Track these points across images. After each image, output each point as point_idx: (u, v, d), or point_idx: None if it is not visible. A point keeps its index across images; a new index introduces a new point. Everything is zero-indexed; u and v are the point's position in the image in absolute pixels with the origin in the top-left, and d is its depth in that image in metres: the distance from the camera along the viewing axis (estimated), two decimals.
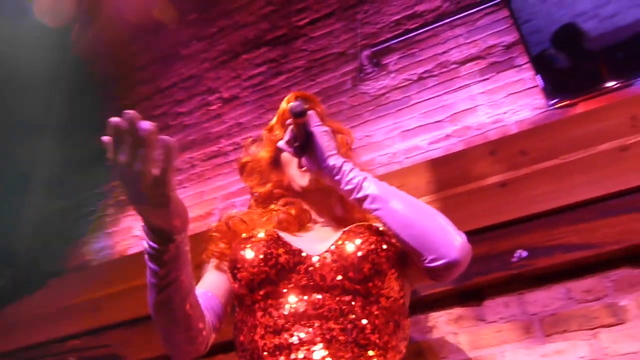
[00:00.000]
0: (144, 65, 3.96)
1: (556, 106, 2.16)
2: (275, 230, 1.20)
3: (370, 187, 1.06)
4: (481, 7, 2.79)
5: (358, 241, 1.08)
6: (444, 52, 2.82)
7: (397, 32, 3.05)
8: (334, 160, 1.09)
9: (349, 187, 1.07)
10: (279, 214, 1.27)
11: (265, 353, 1.03)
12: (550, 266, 1.69)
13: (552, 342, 1.64)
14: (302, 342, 0.99)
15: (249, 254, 1.14)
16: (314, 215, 1.31)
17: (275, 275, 1.10)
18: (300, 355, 0.98)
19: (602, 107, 1.93)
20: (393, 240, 1.11)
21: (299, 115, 1.04)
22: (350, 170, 1.08)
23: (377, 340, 1.02)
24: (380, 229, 1.16)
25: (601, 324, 1.62)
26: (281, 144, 1.23)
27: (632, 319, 1.59)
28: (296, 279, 1.08)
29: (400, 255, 1.11)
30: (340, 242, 1.10)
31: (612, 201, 1.70)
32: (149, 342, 2.16)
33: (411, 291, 1.24)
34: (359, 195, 1.06)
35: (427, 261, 1.00)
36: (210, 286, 1.23)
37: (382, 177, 2.30)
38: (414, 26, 3.03)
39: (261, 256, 1.12)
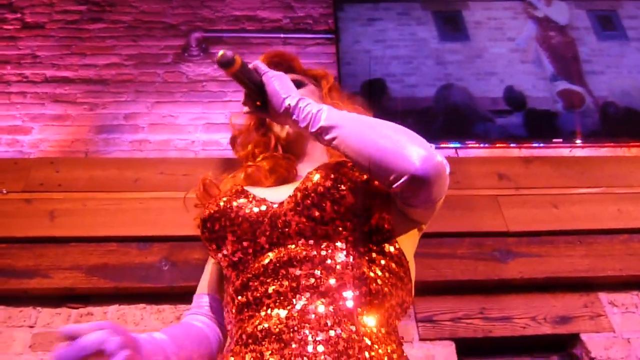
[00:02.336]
0: None
1: None
2: (242, 185, 1.07)
3: (323, 117, 0.91)
4: (315, 36, 2.97)
5: (317, 177, 0.95)
6: None
7: (233, 27, 3.06)
8: (289, 101, 0.94)
9: (304, 123, 0.93)
10: (248, 169, 1.14)
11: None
12: None
13: None
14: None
15: (206, 213, 1.01)
16: (301, 167, 1.16)
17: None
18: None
19: None
20: (357, 173, 0.97)
21: (225, 65, 0.90)
22: (306, 105, 0.94)
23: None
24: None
25: None
26: (245, 109, 1.06)
27: None
28: (260, 230, 0.95)
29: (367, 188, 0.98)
30: (301, 184, 0.97)
31: None
32: None
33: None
34: (314, 129, 0.92)
35: (389, 184, 0.86)
36: (206, 285, 1.12)
37: (173, 161, 2.29)
38: (250, 28, 3.07)
39: (207, 213, 1.00)
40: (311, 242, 0.92)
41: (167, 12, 3.10)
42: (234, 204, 0.99)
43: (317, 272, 0.88)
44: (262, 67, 0.98)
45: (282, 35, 2.98)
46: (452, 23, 2.85)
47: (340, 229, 0.92)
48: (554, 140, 2.52)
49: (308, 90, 1.19)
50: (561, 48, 2.82)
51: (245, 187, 1.06)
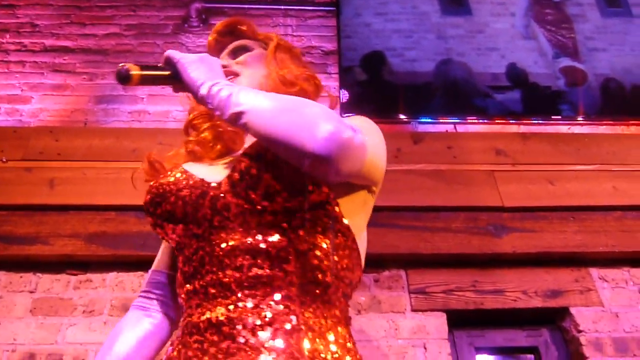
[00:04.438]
0: None
1: None
2: (182, 164, 1.03)
3: (233, 101, 0.85)
4: (316, 8, 2.94)
5: (250, 156, 0.89)
6: None
7: None
8: (202, 90, 0.89)
9: (218, 112, 0.87)
10: (189, 145, 1.09)
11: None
12: None
13: None
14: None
15: (147, 197, 0.99)
16: (248, 137, 1.06)
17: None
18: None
19: None
20: None
21: (123, 82, 0.87)
22: (218, 92, 0.87)
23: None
24: None
25: None
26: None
27: None
28: (202, 214, 0.90)
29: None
30: (236, 163, 0.91)
31: None
32: None
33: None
34: (226, 116, 0.86)
35: (299, 165, 0.82)
36: (159, 262, 1.14)
37: (172, 132, 2.30)
38: None
39: (148, 198, 0.98)
40: (252, 226, 0.87)
41: None
42: (172, 186, 0.95)
43: (259, 262, 0.85)
44: (175, 55, 0.94)
45: (282, 7, 2.95)
46: None
47: (280, 214, 0.87)
48: (553, 117, 2.51)
49: (254, 55, 1.12)
50: (557, 25, 2.79)
51: (185, 166, 1.01)
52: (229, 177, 0.90)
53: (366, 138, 0.86)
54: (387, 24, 2.72)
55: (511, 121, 2.50)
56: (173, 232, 0.95)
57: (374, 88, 2.56)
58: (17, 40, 2.75)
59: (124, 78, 0.87)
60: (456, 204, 2.01)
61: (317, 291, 0.86)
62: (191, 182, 0.94)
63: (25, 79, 2.60)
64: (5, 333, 1.73)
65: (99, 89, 2.59)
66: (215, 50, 1.18)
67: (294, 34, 2.89)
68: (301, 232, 0.87)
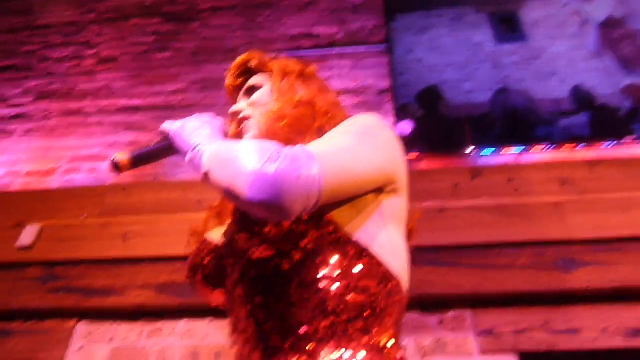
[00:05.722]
0: None
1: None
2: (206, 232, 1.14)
3: (201, 165, 0.85)
4: (369, 48, 2.99)
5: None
6: (326, 78, 2.95)
7: (290, 46, 3.15)
8: (187, 158, 0.90)
9: (197, 174, 0.87)
10: (208, 216, 1.17)
11: None
12: None
13: None
14: None
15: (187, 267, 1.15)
16: None
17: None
18: None
19: (434, 170, 2.18)
20: None
21: (117, 171, 0.93)
22: (193, 157, 0.88)
23: None
24: None
25: None
26: None
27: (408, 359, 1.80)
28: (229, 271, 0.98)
29: None
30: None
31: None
32: None
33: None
34: (201, 178, 0.86)
35: (253, 215, 0.81)
36: None
37: None
38: (307, 45, 3.14)
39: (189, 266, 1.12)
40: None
41: (227, 37, 3.25)
42: (200, 255, 1.08)
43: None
44: (167, 127, 0.97)
45: (336, 50, 3.03)
46: (509, 24, 2.77)
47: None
48: (626, 138, 2.37)
49: (262, 93, 1.10)
50: (621, 41, 2.66)
51: (207, 236, 1.12)
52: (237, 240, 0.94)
53: (315, 160, 0.77)
54: (441, 57, 2.72)
55: (579, 146, 2.39)
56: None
57: (430, 123, 2.55)
58: (96, 103, 3.01)
59: (115, 167, 0.93)
60: (520, 239, 1.94)
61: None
62: (212, 248, 1.08)
63: (103, 139, 2.82)
64: None
65: None
66: (233, 92, 1.19)
67: (349, 74, 2.95)
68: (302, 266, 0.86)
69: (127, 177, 2.58)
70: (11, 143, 2.86)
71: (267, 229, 0.85)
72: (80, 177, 2.60)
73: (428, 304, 1.89)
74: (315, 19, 3.27)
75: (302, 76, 1.13)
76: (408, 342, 1.85)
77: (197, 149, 0.89)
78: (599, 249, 1.90)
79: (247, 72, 1.17)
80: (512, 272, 1.88)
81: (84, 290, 1.98)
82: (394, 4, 2.98)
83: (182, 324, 1.95)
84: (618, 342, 1.75)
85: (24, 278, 2.09)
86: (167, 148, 0.97)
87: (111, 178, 2.56)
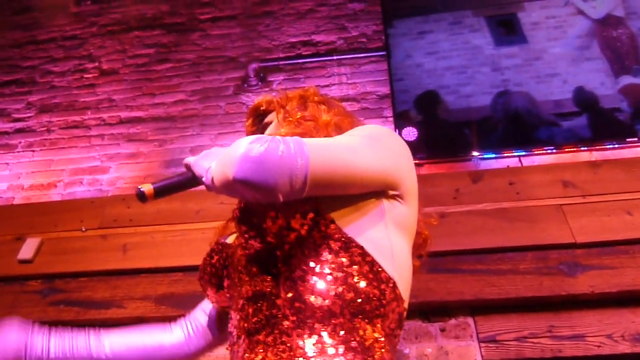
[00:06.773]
0: (25, 9, 3.68)
1: None
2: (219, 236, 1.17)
3: (212, 178, 0.88)
4: (367, 54, 2.99)
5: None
6: (326, 85, 2.96)
7: (289, 54, 3.15)
8: (204, 180, 0.92)
9: (215, 191, 0.89)
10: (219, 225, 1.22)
11: None
12: None
13: None
14: None
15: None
16: None
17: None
18: None
19: (434, 175, 2.15)
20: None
21: (143, 201, 0.96)
22: (207, 176, 0.90)
23: None
24: None
25: None
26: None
27: None
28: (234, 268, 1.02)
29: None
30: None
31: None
32: None
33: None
34: (218, 189, 0.87)
35: (241, 198, 0.86)
36: None
37: None
38: (306, 53, 3.14)
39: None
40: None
41: (227, 47, 3.26)
42: (210, 254, 1.10)
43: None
44: (189, 160, 0.98)
45: (335, 57, 3.02)
46: (508, 26, 2.75)
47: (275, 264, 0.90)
48: (628, 139, 2.34)
49: (271, 128, 1.17)
50: (621, 41, 2.63)
51: (219, 241, 1.13)
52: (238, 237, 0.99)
53: (303, 144, 0.80)
54: (439, 62, 2.70)
55: (582, 148, 2.36)
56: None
57: (430, 128, 2.53)
58: (97, 116, 3.02)
59: (141, 198, 0.96)
60: (522, 243, 1.91)
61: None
62: (224, 249, 1.08)
63: (104, 151, 2.83)
64: None
65: (168, 153, 2.76)
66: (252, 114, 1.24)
67: (349, 81, 2.94)
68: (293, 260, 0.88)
69: (129, 188, 2.59)
70: (14, 157, 2.88)
71: (265, 224, 0.87)
72: (82, 190, 2.61)
73: (429, 311, 1.86)
74: (315, 26, 3.27)
75: (302, 98, 1.17)
76: (410, 350, 1.82)
77: (210, 169, 0.91)
78: (604, 252, 1.87)
79: (260, 116, 1.22)
80: (515, 277, 1.85)
81: (84, 303, 1.98)
82: (392, 9, 2.97)
83: None
84: (624, 347, 1.70)
85: (25, 291, 2.09)
86: (190, 179, 1.00)
87: (112, 191, 2.57)
